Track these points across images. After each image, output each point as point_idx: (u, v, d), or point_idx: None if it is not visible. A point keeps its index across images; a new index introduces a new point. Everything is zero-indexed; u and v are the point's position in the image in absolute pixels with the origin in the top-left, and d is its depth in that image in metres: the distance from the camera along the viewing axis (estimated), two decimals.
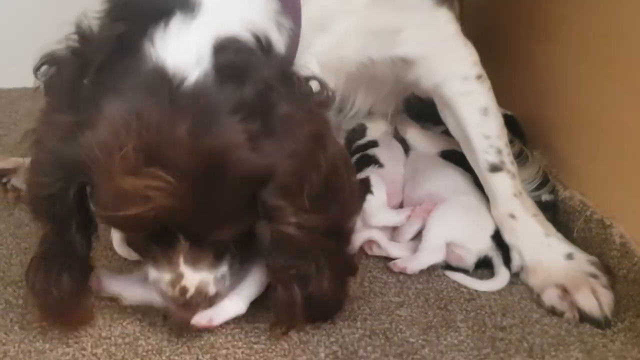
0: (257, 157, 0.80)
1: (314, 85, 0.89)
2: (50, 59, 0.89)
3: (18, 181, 1.27)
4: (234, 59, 0.82)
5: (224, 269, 0.92)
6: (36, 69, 0.90)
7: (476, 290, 1.05)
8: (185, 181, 0.78)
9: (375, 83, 1.16)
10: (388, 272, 1.09)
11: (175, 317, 0.93)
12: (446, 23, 1.06)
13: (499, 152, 1.07)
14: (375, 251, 1.11)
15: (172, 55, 0.80)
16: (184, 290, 0.89)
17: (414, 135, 1.33)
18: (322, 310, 0.94)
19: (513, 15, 1.37)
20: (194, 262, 0.88)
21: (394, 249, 1.10)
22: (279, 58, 0.88)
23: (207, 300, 0.91)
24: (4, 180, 1.27)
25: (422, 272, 1.09)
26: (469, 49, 1.07)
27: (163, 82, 0.79)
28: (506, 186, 1.07)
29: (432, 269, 1.09)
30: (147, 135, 0.77)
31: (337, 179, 0.87)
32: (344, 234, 0.93)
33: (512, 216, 1.07)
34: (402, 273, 1.08)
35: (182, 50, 0.81)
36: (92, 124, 0.79)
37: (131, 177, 0.78)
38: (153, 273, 0.91)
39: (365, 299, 1.03)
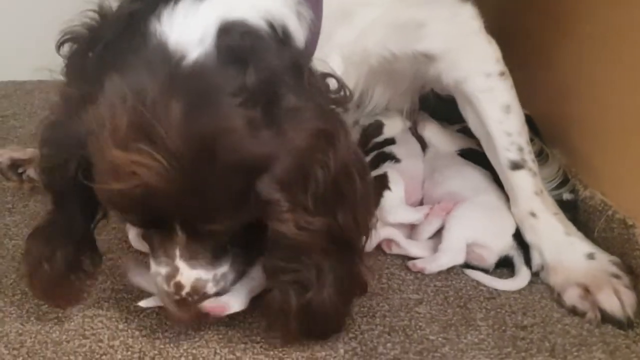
0: (254, 145, 0.77)
1: (332, 83, 0.87)
2: (69, 36, 0.89)
3: (34, 172, 1.26)
4: (239, 41, 0.80)
5: (224, 268, 0.88)
6: (58, 46, 0.89)
7: (496, 289, 1.04)
8: (175, 161, 0.75)
9: (394, 78, 1.14)
10: (406, 269, 1.08)
11: (169, 315, 0.89)
12: (470, 19, 1.05)
13: (520, 149, 1.06)
14: (395, 250, 1.10)
15: (176, 33, 0.79)
16: (179, 287, 0.86)
17: (433, 133, 1.32)
18: (320, 324, 0.88)
19: (532, 12, 1.36)
20: (190, 256, 0.85)
21: (414, 248, 1.09)
22: (293, 50, 0.86)
23: (204, 299, 0.87)
24: (20, 170, 1.26)
25: (440, 270, 1.08)
26: (492, 45, 1.06)
27: (163, 59, 0.78)
28: (527, 184, 1.06)
29: (450, 267, 1.08)
30: (141, 111, 0.75)
31: (347, 182, 0.83)
32: (353, 245, 0.87)
33: (533, 214, 1.06)
34: None
35: (186, 29, 0.80)
36: (94, 98, 0.79)
37: (119, 151, 0.76)
38: (153, 266, 0.89)
39: (383, 296, 1.02)
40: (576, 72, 1.23)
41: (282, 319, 0.85)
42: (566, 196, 1.15)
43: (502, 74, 1.06)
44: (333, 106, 0.85)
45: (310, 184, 0.80)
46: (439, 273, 1.07)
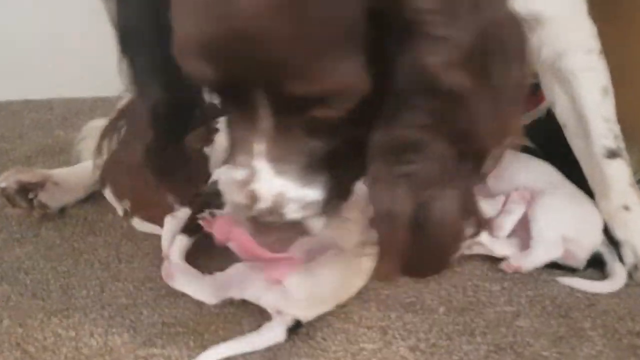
0: None
1: None
2: None
3: (45, 196, 1.10)
4: None
5: (315, 195, 0.63)
6: None
7: (593, 295, 0.93)
8: None
9: None
10: (489, 279, 0.97)
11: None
12: None
13: (616, 137, 0.95)
14: (476, 250, 0.98)
15: None
16: (253, 197, 0.61)
17: None
18: (435, 254, 0.68)
19: None
20: (276, 155, 0.60)
21: (497, 246, 0.98)
22: None
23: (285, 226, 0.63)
24: (30, 196, 1.09)
25: (528, 277, 0.96)
26: (590, 20, 0.96)
27: None
28: (623, 174, 0.96)
29: (537, 273, 0.97)
30: None
31: (498, 60, 0.62)
32: (482, 154, 0.65)
33: (627, 208, 0.96)
34: (506, 280, 0.96)
35: None
36: None
37: None
38: (227, 173, 0.65)
39: (475, 311, 0.90)
40: (620, 57, 1.14)
41: (389, 226, 0.61)
42: None
43: (601, 52, 0.95)
44: None
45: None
46: (527, 282, 0.96)
